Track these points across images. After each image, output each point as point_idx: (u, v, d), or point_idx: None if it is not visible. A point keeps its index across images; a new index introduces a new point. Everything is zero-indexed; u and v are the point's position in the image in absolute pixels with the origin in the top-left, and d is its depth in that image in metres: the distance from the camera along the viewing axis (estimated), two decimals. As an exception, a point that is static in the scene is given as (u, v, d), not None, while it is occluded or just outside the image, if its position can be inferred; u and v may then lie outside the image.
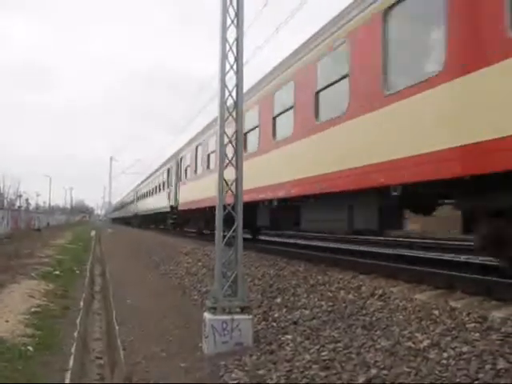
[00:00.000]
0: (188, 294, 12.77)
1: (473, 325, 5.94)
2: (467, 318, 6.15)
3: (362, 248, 16.74)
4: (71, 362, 7.65)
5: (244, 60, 8.54)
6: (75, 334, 9.33)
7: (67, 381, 6.83)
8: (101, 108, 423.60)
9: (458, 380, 4.83)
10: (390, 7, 8.60)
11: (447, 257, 13.03)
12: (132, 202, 66.42)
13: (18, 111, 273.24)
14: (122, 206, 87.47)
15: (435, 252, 14.39)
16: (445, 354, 5.40)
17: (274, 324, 8.31)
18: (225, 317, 7.68)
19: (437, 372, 5.09)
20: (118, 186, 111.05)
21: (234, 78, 8.42)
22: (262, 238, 22.88)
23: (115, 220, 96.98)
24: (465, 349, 5.37)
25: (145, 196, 50.26)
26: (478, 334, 5.65)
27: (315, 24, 12.70)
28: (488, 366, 4.88)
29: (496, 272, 8.43)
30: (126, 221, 76.35)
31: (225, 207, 8.10)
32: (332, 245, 18.53)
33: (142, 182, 56.67)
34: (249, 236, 21.10)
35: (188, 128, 71.46)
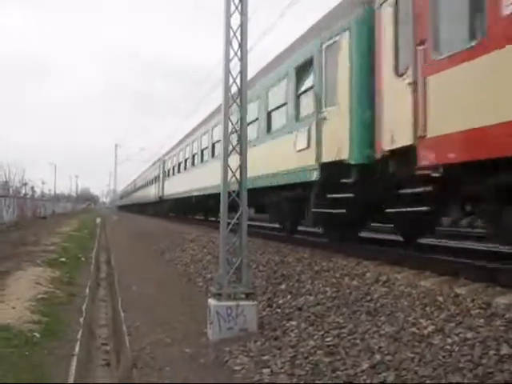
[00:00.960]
0: (193, 280, 12.82)
1: (477, 311, 5.94)
2: (471, 305, 6.15)
3: (365, 234, 16.73)
4: (77, 348, 7.71)
5: (248, 47, 8.53)
6: (81, 321, 9.39)
7: (73, 367, 6.87)
8: (101, 96, 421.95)
9: (461, 365, 4.85)
10: None
11: (452, 243, 13.03)
12: (152, 181, 46.30)
13: (17, 101, 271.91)
14: (133, 190, 70.12)
15: (440, 239, 14.36)
16: (449, 340, 5.41)
17: (279, 310, 8.35)
18: (230, 303, 7.73)
19: (441, 357, 5.11)
20: (123, 174, 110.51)
21: (239, 64, 8.42)
22: (266, 224, 22.88)
23: (122, 208, 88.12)
24: (469, 335, 5.38)
25: (188, 164, 29.06)
26: (482, 320, 5.65)
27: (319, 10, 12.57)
28: (492, 352, 4.90)
29: (500, 258, 8.44)
30: (141, 208, 59.02)
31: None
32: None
33: (180, 143, 34.08)
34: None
35: (192, 117, 70.48)
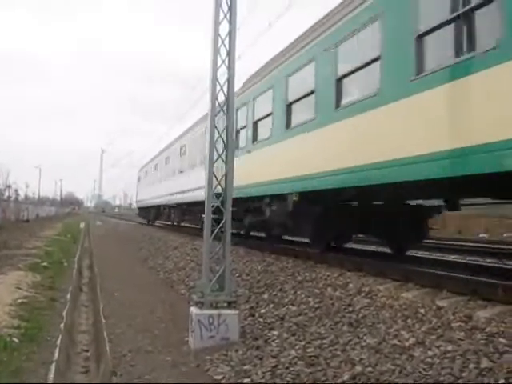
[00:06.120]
0: (176, 288, 12.77)
1: (458, 324, 5.98)
2: (453, 317, 6.19)
3: (349, 245, 16.77)
4: (56, 354, 7.62)
5: (236, 55, 8.55)
6: (61, 326, 9.30)
7: (52, 373, 6.79)
8: (88, 99, 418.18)
9: (441, 378, 4.87)
10: None
11: (435, 256, 13.10)
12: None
13: (2, 101, 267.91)
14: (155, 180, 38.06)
15: (423, 251, 14.44)
16: (429, 353, 5.43)
17: (261, 320, 8.32)
18: (211, 311, 7.70)
19: (421, 370, 5.12)
20: (110, 179, 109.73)
21: (226, 72, 8.44)
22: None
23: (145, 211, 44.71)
24: (449, 347, 5.41)
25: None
26: (462, 333, 5.69)
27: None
28: (472, 366, 4.92)
29: (483, 272, 8.50)
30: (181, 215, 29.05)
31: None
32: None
33: None
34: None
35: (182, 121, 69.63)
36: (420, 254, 13.53)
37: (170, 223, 34.42)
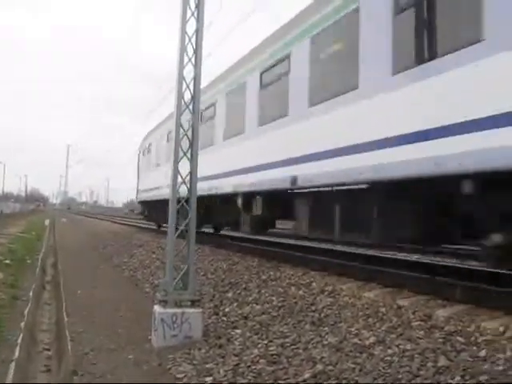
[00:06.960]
0: (140, 286, 12.69)
1: (418, 323, 6.10)
2: (412, 316, 6.31)
3: (313, 245, 16.87)
4: (17, 353, 7.52)
5: (204, 53, 8.55)
6: (22, 325, 9.17)
7: (11, 372, 6.70)
8: (55, 95, 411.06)
9: (400, 376, 4.94)
10: None
11: (400, 256, 13.26)
12: None
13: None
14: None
15: (389, 251, 14.60)
16: (389, 351, 5.52)
17: (224, 318, 8.33)
18: (175, 310, 7.67)
19: (380, 368, 5.20)
20: (76, 176, 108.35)
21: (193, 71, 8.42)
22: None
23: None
24: (408, 346, 5.50)
25: None
26: (422, 332, 5.80)
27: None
28: (430, 364, 5.01)
29: (443, 272, 8.64)
30: None
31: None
32: (284, 240, 18.64)
33: None
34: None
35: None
36: (383, 254, 13.68)
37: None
